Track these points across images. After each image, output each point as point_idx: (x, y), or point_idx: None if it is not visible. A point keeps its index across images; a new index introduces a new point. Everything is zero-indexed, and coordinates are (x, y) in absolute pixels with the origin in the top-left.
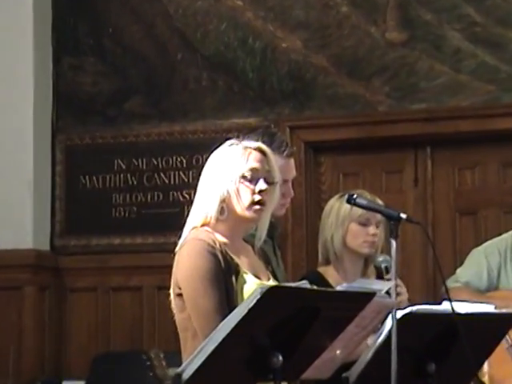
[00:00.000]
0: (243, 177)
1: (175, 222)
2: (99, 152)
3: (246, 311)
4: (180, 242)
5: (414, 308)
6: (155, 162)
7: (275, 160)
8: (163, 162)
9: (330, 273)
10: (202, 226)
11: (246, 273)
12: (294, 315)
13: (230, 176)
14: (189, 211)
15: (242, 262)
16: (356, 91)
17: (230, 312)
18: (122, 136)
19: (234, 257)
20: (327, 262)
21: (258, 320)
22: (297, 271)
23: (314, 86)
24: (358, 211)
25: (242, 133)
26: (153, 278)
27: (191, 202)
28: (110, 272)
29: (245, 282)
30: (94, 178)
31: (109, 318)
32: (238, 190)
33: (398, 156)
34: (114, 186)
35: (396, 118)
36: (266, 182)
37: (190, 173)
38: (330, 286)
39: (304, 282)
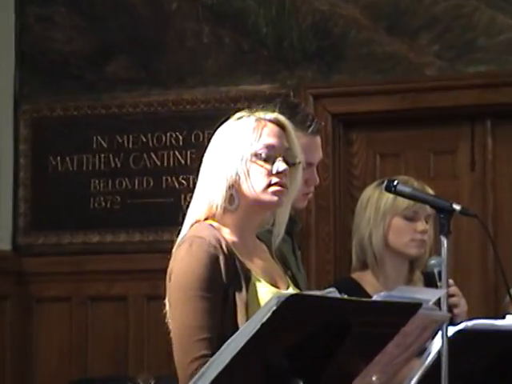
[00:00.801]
0: (256, 155)
1: (169, 214)
2: (74, 126)
3: (258, 327)
4: (178, 240)
5: (470, 323)
6: (144, 140)
7: (297, 137)
8: (154, 140)
9: (367, 280)
10: (206, 219)
11: (259, 280)
12: (318, 332)
13: (239, 155)
14: (187, 201)
15: (256, 265)
16: (397, 50)
17: (232, 333)
18: (103, 107)
19: (244, 260)
20: (364, 267)
21: (274, 338)
22: (322, 277)
23: (344, 43)
24: (404, 202)
25: (254, 103)
26: (141, 286)
27: (190, 189)
28: (87, 278)
29: (257, 292)
30: (68, 158)
31: (86, 335)
32: (249, 172)
33: (450, 132)
34: (93, 170)
35: (448, 85)
36: (286, 162)
37: (188, 153)
38: (368, 296)
39: (331, 289)
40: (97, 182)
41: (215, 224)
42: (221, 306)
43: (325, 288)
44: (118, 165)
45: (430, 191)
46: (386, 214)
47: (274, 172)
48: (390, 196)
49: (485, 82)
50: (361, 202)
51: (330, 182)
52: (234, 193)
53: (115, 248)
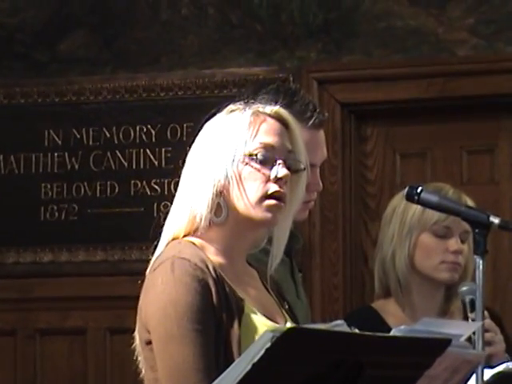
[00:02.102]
0: (251, 156)
1: (139, 228)
2: (20, 118)
3: (248, 368)
4: (153, 260)
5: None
6: (107, 135)
7: None
8: (120, 135)
9: (389, 310)
10: (186, 235)
11: (253, 312)
12: (322, 374)
13: (230, 155)
14: (161, 211)
15: (248, 294)
16: (422, 25)
17: (223, 371)
18: (57, 93)
19: (235, 287)
20: (387, 294)
21: (268, 381)
22: (328, 306)
23: (357, 16)
24: (434, 215)
25: (244, 90)
26: (103, 316)
27: (165, 196)
28: (36, 306)
29: (252, 326)
30: (13, 158)
31: (34, 376)
32: (240, 176)
33: (487, 126)
34: (44, 172)
35: (485, 68)
36: (287, 166)
37: (163, 151)
38: (389, 330)
39: (339, 322)
40: (49, 187)
41: (197, 241)
42: (214, 341)
43: (331, 320)
44: (76, 166)
45: (469, 202)
46: (412, 230)
47: (272, 178)
48: (419, 207)
49: None
50: (386, 214)
51: (338, 188)
52: (221, 201)
53: (72, 269)
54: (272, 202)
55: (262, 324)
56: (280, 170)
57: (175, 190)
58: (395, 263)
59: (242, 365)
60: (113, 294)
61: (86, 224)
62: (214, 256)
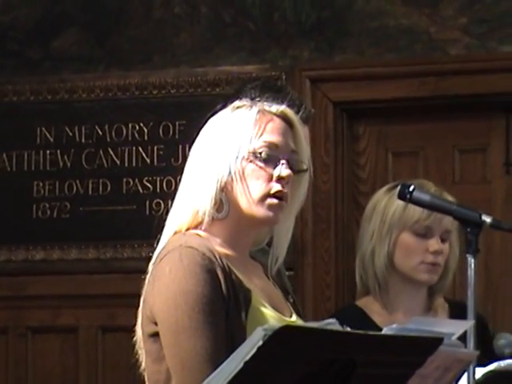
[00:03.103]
0: (255, 154)
1: (131, 226)
2: (12, 115)
3: (240, 366)
4: (157, 252)
5: (503, 363)
6: (100, 133)
7: None
8: (113, 133)
9: (374, 308)
10: (189, 229)
11: (261, 303)
12: (315, 373)
13: (235, 151)
14: (153, 209)
15: (255, 285)
16: (415, 24)
17: None
18: (49, 91)
19: (242, 277)
20: (368, 291)
21: (260, 380)
22: (320, 305)
23: (349, 15)
24: (415, 214)
25: (233, 87)
26: (95, 314)
27: (157, 194)
28: (28, 304)
29: (262, 318)
30: (5, 155)
31: (25, 373)
32: (244, 173)
33: (480, 126)
34: (36, 170)
35: (478, 67)
36: (290, 166)
37: (155, 149)
38: (377, 328)
39: (331, 320)
40: (41, 184)
41: (201, 233)
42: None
43: (323, 319)
44: (68, 164)
45: (451, 199)
46: (392, 228)
47: (275, 177)
48: (400, 204)
49: None
50: (366, 210)
51: (330, 187)
52: (223, 197)
53: (64, 267)
54: (274, 200)
55: (270, 316)
56: (283, 170)
57: (167, 187)
58: (374, 261)
59: (233, 363)
60: (105, 292)
61: (78, 222)
62: (219, 247)
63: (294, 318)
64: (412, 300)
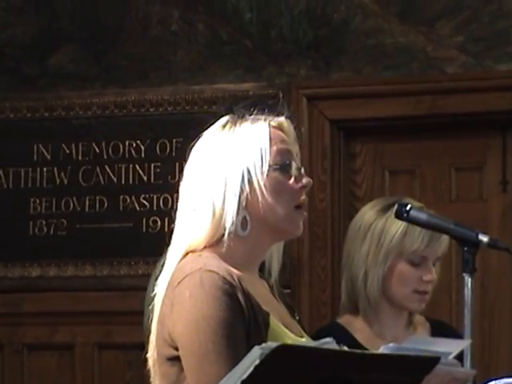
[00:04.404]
0: (275, 166)
1: (127, 243)
2: (9, 132)
3: None
4: (170, 273)
5: (500, 382)
6: (97, 150)
7: None
8: (110, 150)
9: (357, 325)
10: (205, 247)
11: (278, 325)
12: None
13: (255, 166)
14: (150, 227)
15: (270, 307)
16: (411, 42)
17: None
18: (46, 108)
19: (258, 299)
20: (355, 309)
21: None
22: (316, 321)
23: (346, 33)
24: (413, 244)
25: (224, 106)
26: (91, 331)
27: (153, 212)
28: (24, 321)
29: (281, 340)
30: (1, 172)
31: None
32: (267, 188)
33: (476, 144)
34: (33, 187)
35: (474, 86)
36: None
37: (152, 167)
38: (359, 345)
39: (328, 339)
40: (38, 201)
41: (217, 254)
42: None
43: (316, 337)
44: (65, 181)
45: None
46: (388, 255)
47: (299, 187)
48: (399, 231)
49: None
50: (358, 226)
51: (327, 205)
52: (246, 215)
53: (60, 284)
54: (302, 212)
55: (287, 337)
56: (305, 179)
57: (164, 205)
58: (367, 285)
59: (231, 381)
60: (101, 310)
61: (75, 239)
62: (234, 269)
63: (306, 337)
64: (395, 319)
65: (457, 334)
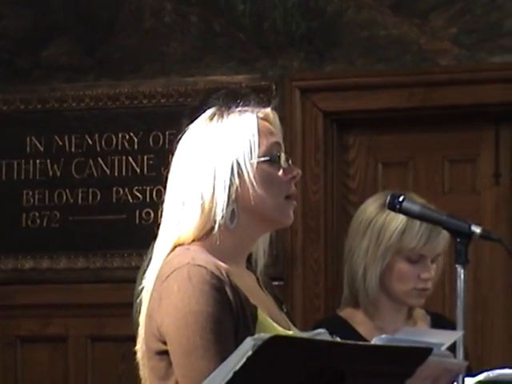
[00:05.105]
0: (265, 158)
1: (121, 235)
2: (3, 124)
3: (230, 375)
4: (158, 267)
5: (493, 373)
6: (90, 142)
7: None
8: (103, 142)
9: (358, 318)
10: (193, 240)
11: (266, 319)
12: (304, 383)
13: (244, 159)
14: (143, 219)
15: (258, 301)
16: (405, 34)
17: None
18: (39, 100)
19: (246, 292)
20: (356, 303)
21: None
22: (309, 315)
23: (339, 26)
24: (411, 242)
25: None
26: (84, 324)
27: (146, 204)
28: (17, 313)
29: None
30: None
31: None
32: (258, 180)
33: (469, 136)
34: (26, 179)
35: (467, 78)
36: None
37: (145, 159)
38: (361, 338)
39: (321, 330)
40: (31, 193)
41: (206, 247)
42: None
43: (312, 329)
44: (58, 173)
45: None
46: (387, 252)
47: (289, 178)
48: (398, 228)
49: None
50: (359, 221)
51: (320, 197)
52: (235, 207)
53: (53, 276)
54: (292, 202)
55: (275, 330)
56: (295, 171)
57: (157, 197)
58: (366, 281)
59: (223, 372)
60: (94, 302)
61: (68, 231)
62: (222, 262)
63: (293, 330)
64: (395, 313)
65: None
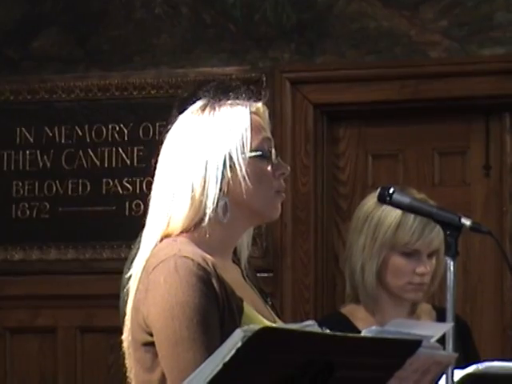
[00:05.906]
0: (256, 153)
1: (110, 226)
2: None
3: (219, 367)
4: (144, 259)
5: (482, 366)
6: (80, 133)
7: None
8: (93, 133)
9: (359, 315)
10: (181, 232)
11: (251, 312)
12: (293, 375)
13: (239, 151)
14: (133, 210)
15: (244, 293)
16: (395, 27)
17: None
18: (29, 91)
19: (232, 285)
20: (358, 299)
21: (239, 381)
22: (299, 305)
23: (330, 17)
24: (405, 237)
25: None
26: (74, 315)
27: (136, 195)
28: (6, 304)
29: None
30: None
31: (4, 375)
32: (249, 174)
33: (459, 128)
34: (16, 170)
35: (457, 70)
36: None
37: (135, 150)
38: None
39: (310, 322)
40: (20, 184)
41: (192, 239)
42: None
43: (302, 321)
44: (48, 164)
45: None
46: (382, 247)
47: (279, 174)
48: (393, 224)
49: (503, 68)
50: (357, 217)
51: (310, 189)
52: (227, 200)
53: (43, 267)
54: (281, 195)
55: (261, 323)
56: (284, 167)
57: (147, 188)
58: (364, 277)
59: (212, 364)
60: (84, 293)
61: (58, 222)
62: (208, 255)
63: (278, 322)
64: (396, 308)
65: (463, 324)
